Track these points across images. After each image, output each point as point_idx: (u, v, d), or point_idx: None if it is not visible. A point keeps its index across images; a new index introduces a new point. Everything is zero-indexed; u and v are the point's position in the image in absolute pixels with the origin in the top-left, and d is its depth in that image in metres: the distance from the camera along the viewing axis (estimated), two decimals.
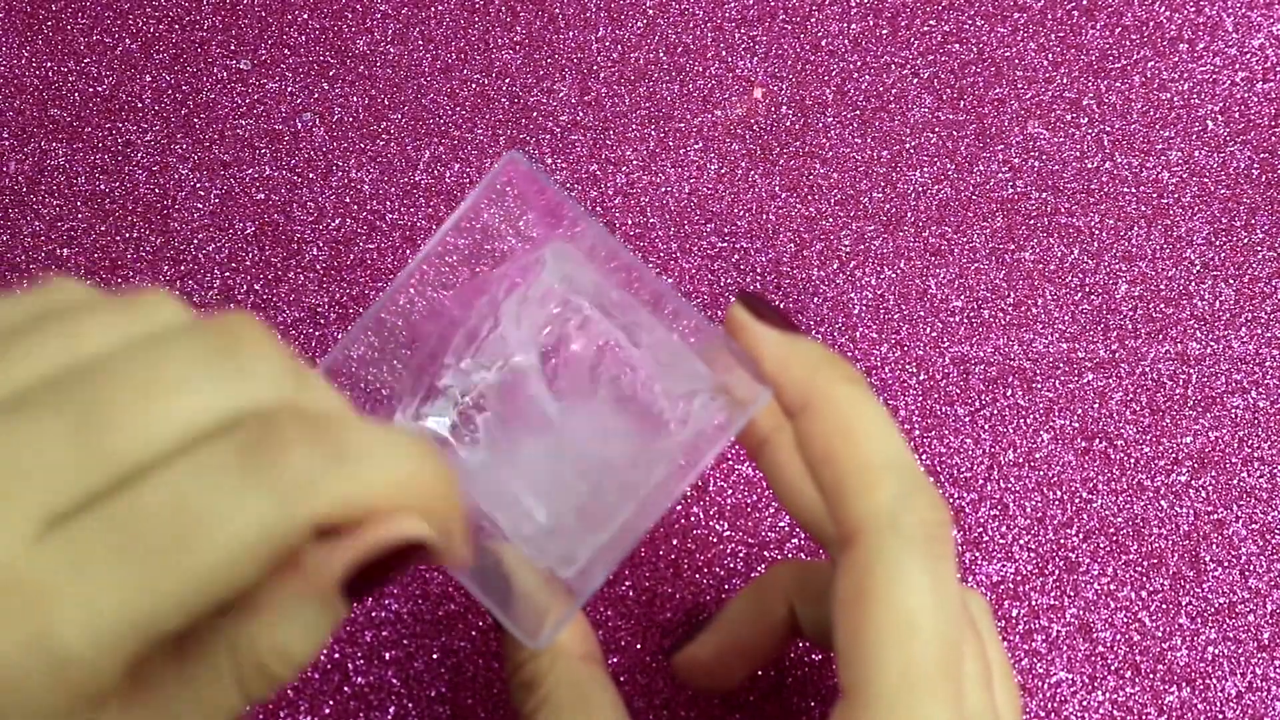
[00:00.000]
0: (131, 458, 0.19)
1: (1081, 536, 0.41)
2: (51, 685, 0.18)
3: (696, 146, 0.44)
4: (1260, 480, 0.41)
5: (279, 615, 0.21)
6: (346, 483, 0.20)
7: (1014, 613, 0.40)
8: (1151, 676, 0.39)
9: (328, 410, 0.21)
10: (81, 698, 0.18)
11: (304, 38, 0.45)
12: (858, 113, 0.45)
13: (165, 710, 0.20)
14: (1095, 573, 0.40)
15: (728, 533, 0.40)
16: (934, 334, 0.42)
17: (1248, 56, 0.46)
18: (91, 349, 0.20)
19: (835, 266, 0.43)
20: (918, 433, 0.42)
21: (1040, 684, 0.39)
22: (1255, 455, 0.42)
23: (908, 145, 0.44)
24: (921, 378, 0.42)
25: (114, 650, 0.18)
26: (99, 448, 0.19)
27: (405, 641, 0.39)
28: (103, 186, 0.44)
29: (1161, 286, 0.43)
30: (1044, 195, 0.44)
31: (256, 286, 0.42)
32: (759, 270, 0.43)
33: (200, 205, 0.43)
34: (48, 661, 0.18)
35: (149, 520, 0.18)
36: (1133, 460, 0.41)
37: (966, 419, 0.42)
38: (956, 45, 0.46)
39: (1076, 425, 0.42)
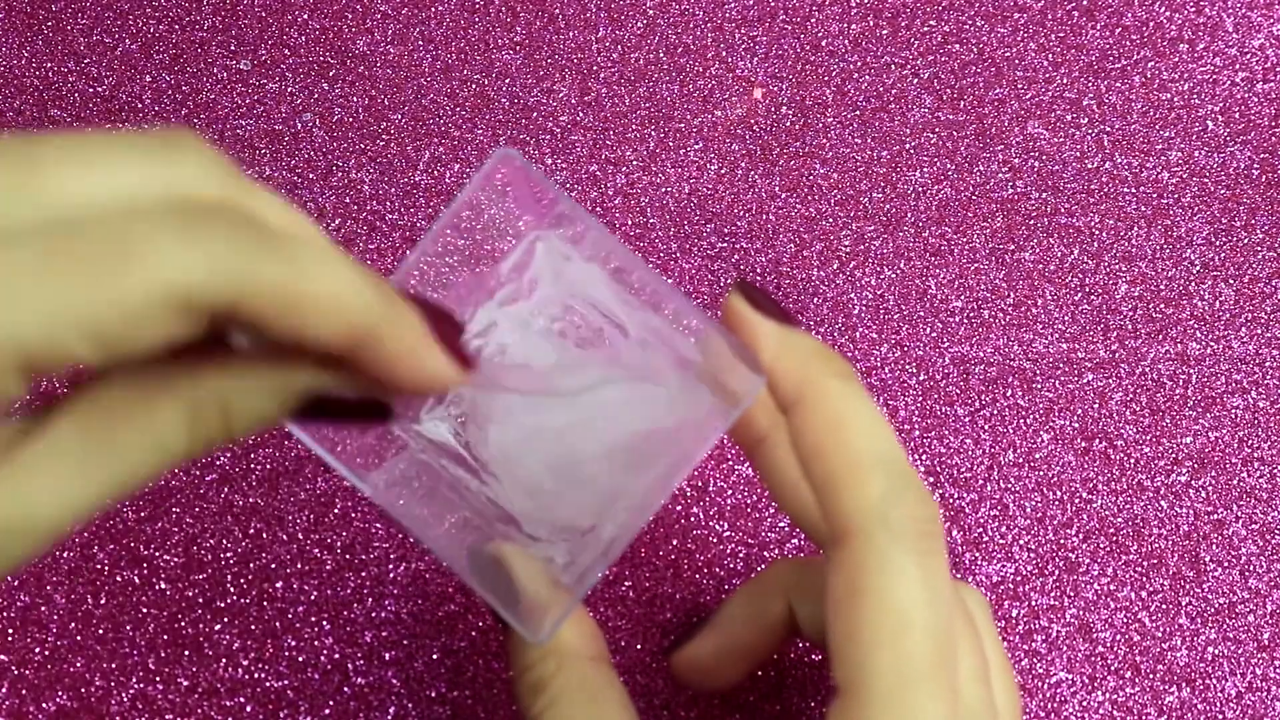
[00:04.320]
0: (65, 202, 0.20)
1: (1081, 536, 0.41)
2: None
3: (696, 146, 0.44)
4: (1260, 480, 0.41)
5: (242, 387, 0.22)
6: (278, 273, 0.20)
7: (1014, 613, 0.40)
8: (1151, 676, 0.39)
9: (276, 219, 0.22)
10: None
11: (304, 38, 0.45)
12: (858, 113, 0.45)
13: (115, 440, 0.21)
14: (1095, 573, 0.40)
15: (728, 533, 0.40)
16: (934, 334, 0.42)
17: (1248, 56, 0.46)
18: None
19: (835, 266, 0.43)
20: (918, 433, 0.42)
21: (1040, 684, 0.39)
22: (1255, 455, 0.42)
23: (908, 145, 0.44)
24: (921, 378, 0.42)
25: (11, 355, 0.19)
26: (30, 184, 0.19)
27: (405, 641, 0.39)
28: None
29: (1161, 286, 0.43)
30: (1044, 195, 0.44)
31: None
32: (759, 270, 0.43)
33: None
34: None
35: (82, 243, 0.19)
36: (1133, 460, 0.41)
37: (966, 419, 0.42)
38: (956, 45, 0.46)
39: (1076, 425, 0.42)
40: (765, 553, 0.40)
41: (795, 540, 0.40)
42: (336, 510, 0.40)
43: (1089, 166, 0.44)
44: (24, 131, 0.44)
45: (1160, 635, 0.40)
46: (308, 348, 0.21)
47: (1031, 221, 0.44)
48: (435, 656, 0.39)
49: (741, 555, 0.40)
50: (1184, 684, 0.39)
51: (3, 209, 0.19)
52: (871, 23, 0.46)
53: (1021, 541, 0.41)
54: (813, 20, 0.46)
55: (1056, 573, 0.40)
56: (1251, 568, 0.41)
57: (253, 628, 0.39)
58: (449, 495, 0.30)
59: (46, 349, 0.19)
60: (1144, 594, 0.40)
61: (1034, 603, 0.40)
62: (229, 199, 0.21)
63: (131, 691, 0.38)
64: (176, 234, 0.19)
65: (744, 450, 0.32)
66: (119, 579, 0.39)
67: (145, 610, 0.39)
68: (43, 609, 0.39)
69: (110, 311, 0.19)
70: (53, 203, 0.20)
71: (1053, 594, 0.40)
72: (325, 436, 0.28)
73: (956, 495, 0.41)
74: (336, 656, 0.39)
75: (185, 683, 0.38)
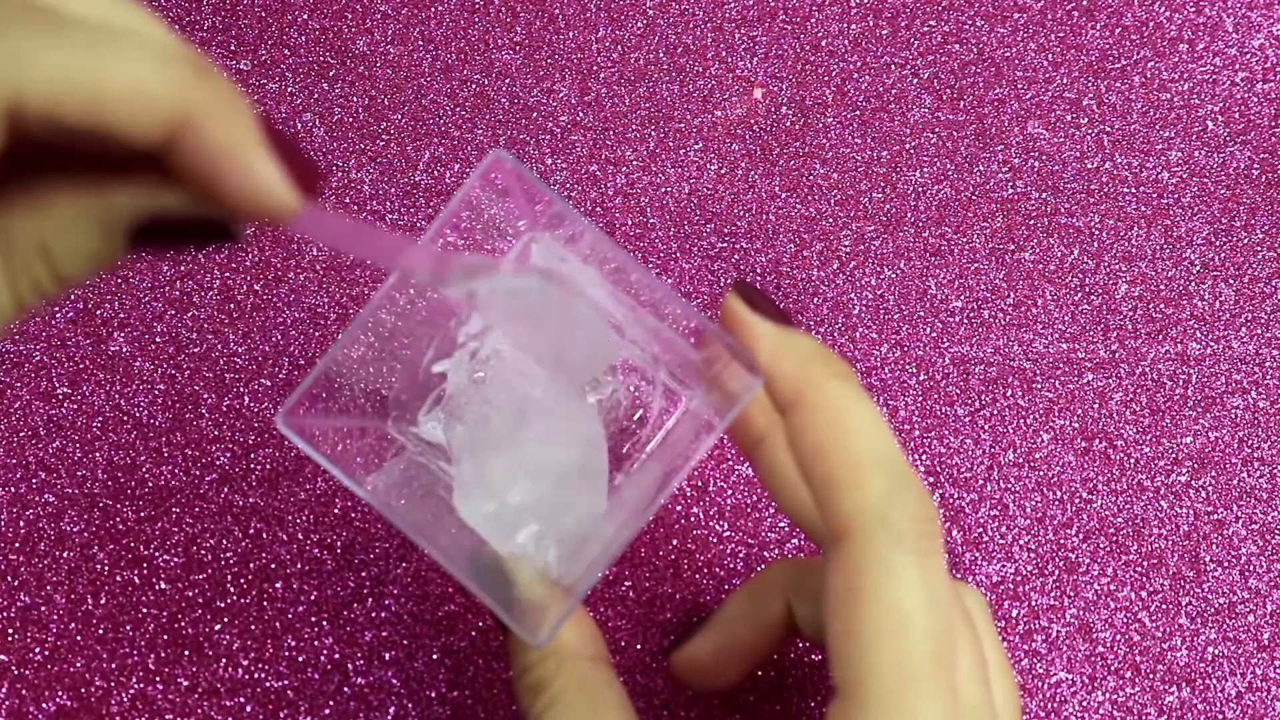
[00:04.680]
0: None
1: (1081, 536, 0.41)
2: None
3: (696, 146, 0.44)
4: (1260, 480, 0.41)
5: (60, 222, 0.20)
6: (62, 59, 0.18)
7: (1014, 613, 0.40)
8: (1151, 676, 0.39)
9: (79, 8, 0.20)
10: None
11: (304, 38, 0.45)
12: (858, 113, 0.45)
13: None
14: (1095, 573, 0.40)
15: (728, 533, 0.40)
16: (934, 334, 0.42)
17: (1248, 56, 0.46)
18: None
19: (835, 266, 0.43)
20: (918, 433, 0.42)
21: (1040, 684, 0.39)
22: (1255, 455, 0.42)
23: (908, 145, 0.44)
24: (921, 378, 0.42)
25: None
26: None
27: (405, 641, 0.39)
28: None
29: (1161, 286, 0.43)
30: (1044, 195, 0.44)
31: (256, 287, 0.42)
32: (759, 270, 0.43)
33: None
34: None
35: None
36: (1133, 460, 0.41)
37: (966, 419, 0.42)
38: (956, 45, 0.46)
39: (1076, 425, 0.42)
40: (765, 553, 0.40)
41: (795, 540, 0.40)
42: (336, 510, 0.40)
43: (1089, 166, 0.44)
44: None
45: (1160, 635, 0.40)
46: (126, 146, 0.19)
47: (1031, 221, 0.44)
48: (435, 656, 0.39)
49: (741, 555, 0.40)
50: (1184, 684, 0.39)
51: None
52: (871, 23, 0.46)
53: (1021, 541, 0.41)
54: (813, 20, 0.46)
55: (1056, 573, 0.40)
56: (1251, 568, 0.41)
57: (253, 628, 0.39)
58: (446, 497, 0.30)
59: None
60: (1144, 594, 0.40)
61: (1034, 603, 0.40)
62: None
63: (131, 691, 0.38)
64: None
65: (742, 451, 0.32)
66: (119, 579, 0.39)
67: (145, 610, 0.39)
68: (43, 609, 0.39)
69: None
70: None
71: (1053, 594, 0.40)
72: (323, 438, 0.28)
73: (956, 495, 0.41)
74: (336, 656, 0.39)
75: (185, 683, 0.38)
